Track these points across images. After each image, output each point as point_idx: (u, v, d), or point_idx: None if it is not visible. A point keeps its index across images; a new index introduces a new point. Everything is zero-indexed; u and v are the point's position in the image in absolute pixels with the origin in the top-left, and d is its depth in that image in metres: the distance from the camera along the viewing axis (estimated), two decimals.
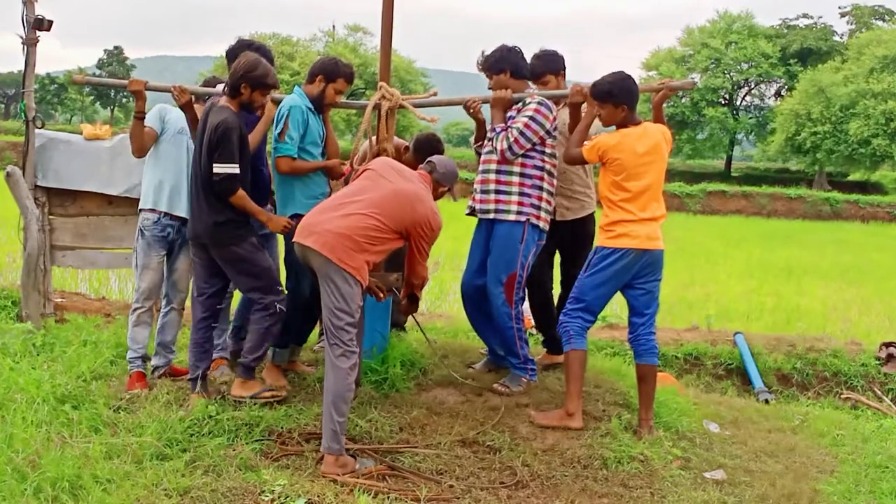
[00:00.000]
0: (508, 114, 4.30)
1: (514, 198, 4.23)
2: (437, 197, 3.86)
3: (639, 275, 3.97)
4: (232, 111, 3.78)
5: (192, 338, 3.96)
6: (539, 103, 4.20)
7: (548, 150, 4.26)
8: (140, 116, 4.22)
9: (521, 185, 4.23)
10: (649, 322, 4.05)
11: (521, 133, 4.16)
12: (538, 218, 4.25)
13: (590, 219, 4.64)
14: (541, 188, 4.26)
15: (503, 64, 4.28)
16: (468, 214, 4.52)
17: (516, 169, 4.23)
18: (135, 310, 4.32)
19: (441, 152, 4.29)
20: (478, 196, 4.38)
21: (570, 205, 4.60)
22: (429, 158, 3.96)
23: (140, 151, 4.28)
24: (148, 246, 4.26)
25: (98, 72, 63.39)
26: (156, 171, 4.28)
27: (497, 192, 4.26)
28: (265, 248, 4.14)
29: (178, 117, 4.28)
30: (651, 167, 3.90)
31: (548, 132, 4.21)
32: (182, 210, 4.22)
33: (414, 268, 3.85)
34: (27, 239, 5.20)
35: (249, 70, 3.76)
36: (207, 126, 3.75)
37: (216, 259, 3.87)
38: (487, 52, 4.35)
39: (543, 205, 4.27)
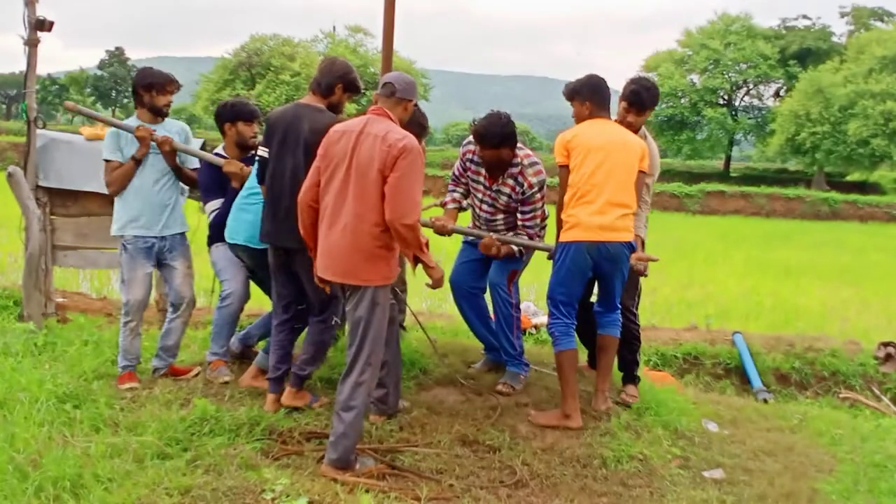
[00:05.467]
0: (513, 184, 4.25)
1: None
2: (407, 117, 3.45)
3: (601, 267, 3.93)
4: (329, 112, 3.72)
5: (273, 339, 3.92)
6: (539, 177, 4.21)
7: None
8: (138, 160, 4.14)
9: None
10: (616, 299, 4.10)
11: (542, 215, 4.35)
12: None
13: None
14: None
15: (510, 141, 4.12)
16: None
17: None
18: (125, 323, 4.25)
19: (426, 126, 3.97)
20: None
21: None
22: (384, 81, 3.44)
23: (121, 191, 4.18)
24: (132, 259, 4.20)
25: (99, 73, 63.59)
26: (127, 200, 4.18)
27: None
28: None
29: (131, 140, 4.16)
30: (610, 158, 3.85)
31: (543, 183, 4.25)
32: (156, 230, 4.20)
33: (395, 202, 3.18)
34: (29, 239, 5.21)
35: (347, 73, 3.77)
36: (313, 129, 3.58)
37: (298, 266, 3.73)
38: (486, 122, 4.10)
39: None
